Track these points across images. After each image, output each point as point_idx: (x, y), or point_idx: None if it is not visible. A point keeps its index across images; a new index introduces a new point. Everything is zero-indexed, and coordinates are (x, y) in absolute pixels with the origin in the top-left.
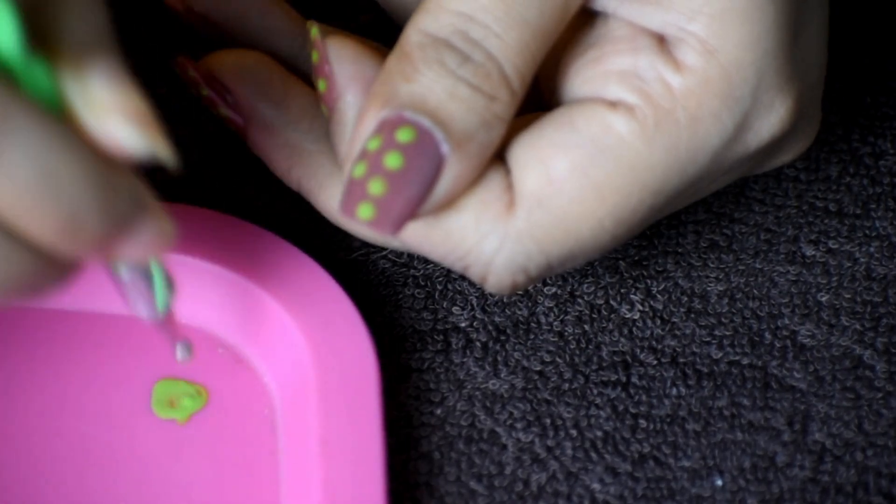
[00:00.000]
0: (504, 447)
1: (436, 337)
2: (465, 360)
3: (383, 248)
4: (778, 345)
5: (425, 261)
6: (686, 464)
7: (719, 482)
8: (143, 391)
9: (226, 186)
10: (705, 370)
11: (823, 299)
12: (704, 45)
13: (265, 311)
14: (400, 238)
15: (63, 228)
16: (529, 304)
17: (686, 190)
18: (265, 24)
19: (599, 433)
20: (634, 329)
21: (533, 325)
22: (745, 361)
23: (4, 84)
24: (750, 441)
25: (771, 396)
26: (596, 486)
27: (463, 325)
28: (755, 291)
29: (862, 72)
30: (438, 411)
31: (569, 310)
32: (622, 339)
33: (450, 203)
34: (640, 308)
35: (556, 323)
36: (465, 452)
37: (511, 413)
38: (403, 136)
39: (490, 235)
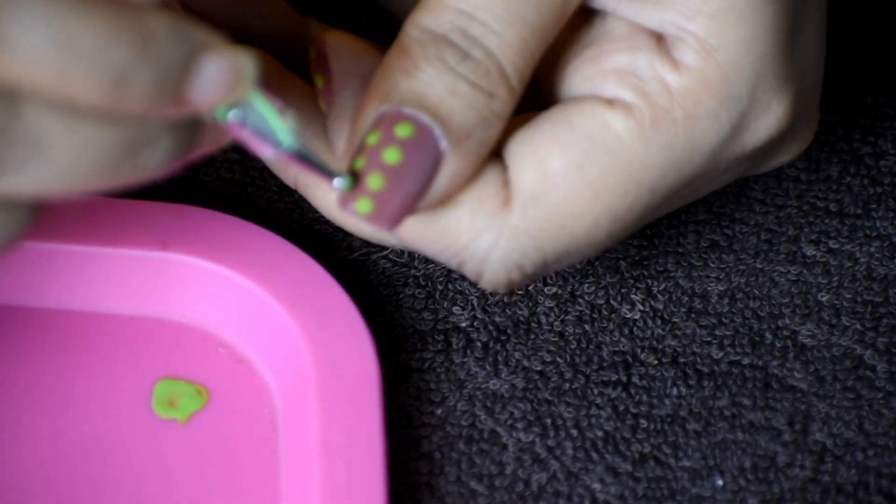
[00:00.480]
0: (505, 447)
1: (436, 337)
2: (465, 360)
3: (384, 248)
4: (778, 345)
5: (426, 261)
6: (686, 464)
7: (720, 482)
8: (143, 391)
9: (226, 186)
10: (706, 370)
11: (824, 299)
12: (703, 45)
13: (265, 311)
14: (396, 234)
15: (113, 92)
16: (530, 304)
17: (682, 189)
18: (263, 24)
19: (600, 433)
20: (635, 329)
21: (533, 324)
22: (746, 361)
23: None
24: (750, 441)
25: (771, 396)
26: (596, 486)
27: (463, 324)
28: (756, 291)
29: (861, 72)
30: (439, 411)
31: (569, 310)
32: (623, 339)
33: (447, 199)
34: (641, 308)
35: (556, 323)
36: (465, 452)
37: (511, 413)
38: (402, 131)
39: (485, 231)
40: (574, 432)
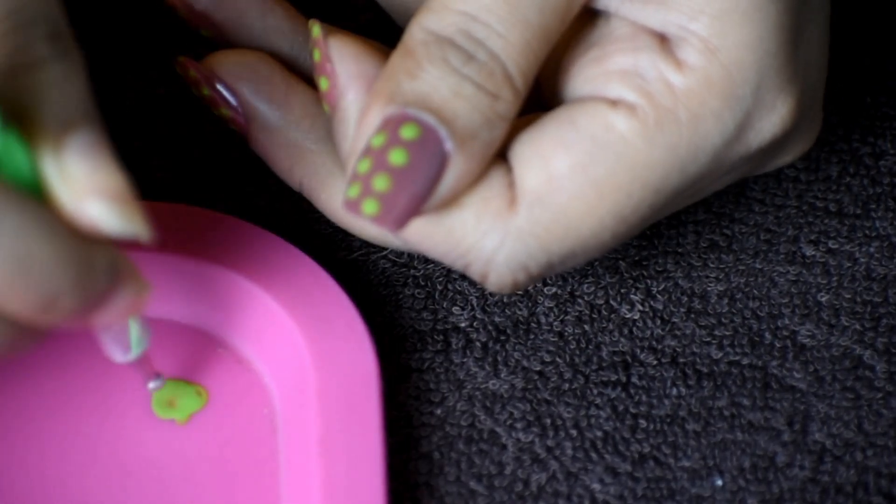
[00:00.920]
0: (504, 447)
1: (436, 337)
2: (465, 360)
3: (383, 249)
4: (778, 345)
5: (425, 261)
6: (686, 464)
7: (719, 482)
8: (144, 391)
9: (226, 186)
10: (705, 370)
11: (823, 299)
12: (706, 45)
13: (265, 311)
14: (402, 236)
15: (40, 308)
16: (529, 304)
17: (687, 189)
18: (266, 24)
19: (599, 433)
20: (634, 329)
21: (533, 325)
22: (745, 361)
23: None
24: (750, 441)
25: (771, 396)
26: (596, 486)
27: (463, 325)
28: (755, 291)
29: (862, 72)
30: (438, 411)
31: (569, 310)
32: (622, 339)
33: (452, 201)
34: (641, 308)
35: (556, 323)
36: (465, 452)
37: (511, 413)
38: (408, 132)
39: (491, 233)
40: (573, 432)
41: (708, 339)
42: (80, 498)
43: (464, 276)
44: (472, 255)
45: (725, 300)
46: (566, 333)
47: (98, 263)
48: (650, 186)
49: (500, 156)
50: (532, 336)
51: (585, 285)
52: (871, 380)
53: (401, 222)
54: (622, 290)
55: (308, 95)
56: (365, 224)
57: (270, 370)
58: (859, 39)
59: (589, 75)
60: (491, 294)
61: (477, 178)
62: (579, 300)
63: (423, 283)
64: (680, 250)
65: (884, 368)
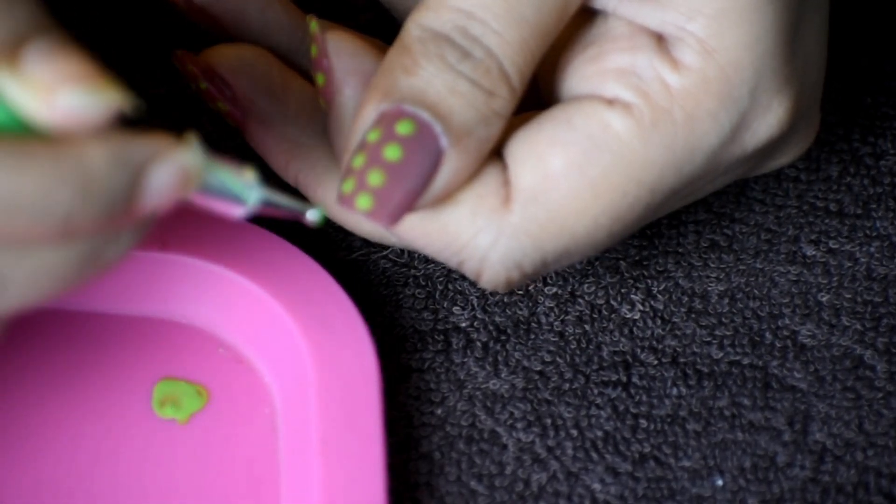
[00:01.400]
0: (504, 447)
1: (436, 337)
2: (465, 360)
3: (384, 248)
4: (778, 345)
5: (426, 260)
6: (686, 464)
7: (720, 482)
8: (143, 391)
9: None
10: (706, 370)
11: (824, 299)
12: (703, 45)
13: (265, 311)
14: (396, 232)
15: (62, 230)
16: (530, 304)
17: (683, 189)
18: (264, 19)
19: (600, 433)
20: (635, 329)
21: (533, 324)
22: (746, 361)
23: None
24: (750, 441)
25: (771, 396)
26: (596, 486)
27: (463, 325)
28: (756, 291)
29: (861, 72)
30: (439, 411)
31: (569, 310)
32: (623, 339)
33: (447, 197)
34: (641, 308)
35: (556, 323)
36: (465, 452)
37: (511, 413)
38: (403, 128)
39: (485, 230)
40: (574, 432)
41: (708, 339)
42: (81, 498)
43: (465, 276)
44: (467, 252)
45: (726, 300)
46: (567, 333)
47: (96, 162)
48: (645, 186)
49: (496, 154)
50: (532, 336)
51: (586, 285)
52: (871, 380)
53: (394, 218)
54: (623, 290)
55: (305, 91)
56: (359, 219)
57: (270, 370)
58: (859, 39)
59: (586, 74)
60: (491, 294)
61: (472, 175)
62: (580, 300)
63: (423, 283)
64: (680, 250)
65: (884, 368)
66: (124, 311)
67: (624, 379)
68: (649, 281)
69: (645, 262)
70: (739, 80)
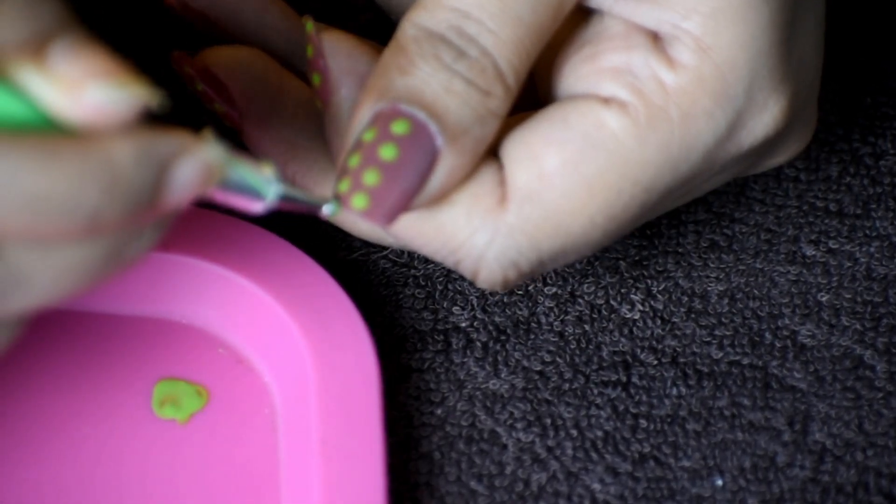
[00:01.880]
0: (504, 447)
1: (436, 337)
2: (465, 360)
3: (384, 248)
4: (778, 345)
5: (426, 261)
6: (686, 464)
7: (719, 482)
8: (143, 391)
9: None
10: (705, 370)
11: (824, 299)
12: (699, 44)
13: (265, 311)
14: (393, 231)
15: (89, 227)
16: (530, 304)
17: (679, 188)
18: (261, 21)
19: (600, 433)
20: (635, 329)
21: (533, 325)
22: (746, 361)
23: None
24: (750, 441)
25: (771, 396)
26: (596, 486)
27: (463, 325)
28: (755, 291)
29: (861, 72)
30: (439, 411)
31: (569, 310)
32: (622, 339)
33: (443, 196)
34: (641, 308)
35: (556, 323)
36: (465, 452)
37: (511, 413)
38: (398, 128)
39: (481, 229)
40: (574, 432)
41: (708, 339)
42: (81, 498)
43: (464, 277)
44: (463, 251)
45: (726, 300)
46: (566, 333)
47: (123, 159)
48: (641, 185)
49: (492, 153)
50: (532, 336)
51: (586, 285)
52: (871, 380)
53: (390, 217)
54: (622, 290)
55: (302, 92)
56: (357, 219)
57: (270, 370)
58: (859, 39)
59: (581, 73)
60: (491, 294)
61: (468, 175)
62: (579, 300)
63: (423, 283)
64: (680, 250)
65: (884, 368)
66: (124, 311)
67: (624, 379)
68: (649, 281)
69: (645, 262)
70: (735, 79)
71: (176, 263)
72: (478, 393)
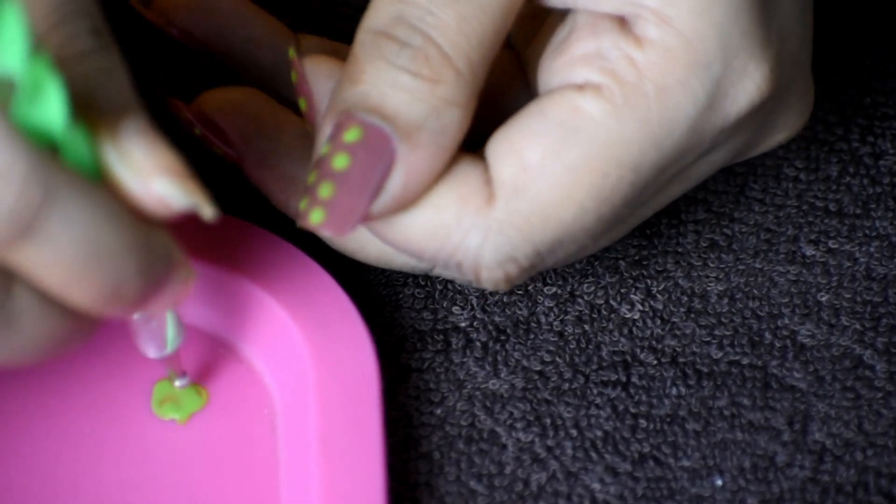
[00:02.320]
0: (504, 447)
1: (436, 337)
2: (465, 359)
3: None
4: (778, 345)
5: None
6: (686, 464)
7: (719, 482)
8: (143, 391)
9: (225, 187)
10: (705, 370)
11: (823, 299)
12: (659, 16)
13: (265, 311)
14: (389, 241)
15: (106, 295)
16: (529, 304)
17: (669, 165)
18: (247, 36)
19: (599, 433)
20: (634, 329)
21: (533, 324)
22: (745, 361)
23: (48, 156)
24: (750, 441)
25: (771, 396)
26: (596, 485)
27: (463, 324)
28: (755, 291)
29: (862, 72)
30: (438, 411)
31: (569, 309)
32: (622, 339)
33: (415, 196)
34: (640, 308)
35: (556, 323)
36: (465, 452)
37: (511, 413)
38: (350, 136)
39: (473, 229)
40: (573, 432)
41: (708, 339)
42: (80, 498)
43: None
44: (460, 253)
45: (725, 300)
46: (566, 333)
47: (158, 247)
48: (626, 164)
49: (479, 155)
50: (532, 336)
51: (585, 285)
52: (871, 379)
53: (346, 226)
54: (622, 290)
55: (298, 126)
56: (364, 246)
57: (270, 370)
58: (859, 39)
59: (554, 67)
60: (491, 294)
61: (454, 175)
62: (579, 300)
63: (423, 283)
64: (680, 250)
65: (884, 368)
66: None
67: (623, 379)
68: (649, 281)
69: (644, 262)
70: (703, 46)
71: None
72: (477, 393)
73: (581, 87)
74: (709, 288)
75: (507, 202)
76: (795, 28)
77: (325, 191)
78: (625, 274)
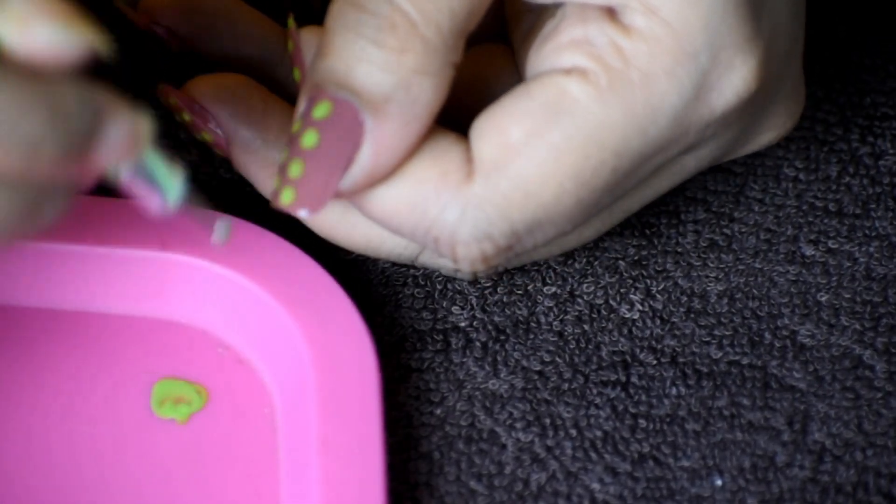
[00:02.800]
0: (504, 447)
1: (435, 337)
2: (464, 359)
3: None
4: (778, 345)
5: None
6: (686, 464)
7: (719, 482)
8: (143, 391)
9: (225, 186)
10: (705, 370)
11: (823, 299)
12: (646, 6)
13: (265, 311)
14: (369, 213)
15: (25, 160)
16: (529, 304)
17: (654, 154)
18: (234, 32)
19: (599, 433)
20: (634, 329)
21: (533, 324)
22: (745, 361)
23: None
24: (750, 441)
25: (771, 396)
26: (595, 485)
27: (463, 324)
28: (755, 291)
29: (862, 72)
30: (438, 411)
31: (568, 309)
32: (622, 339)
33: (389, 169)
34: (640, 308)
35: (555, 323)
36: (464, 452)
37: (511, 413)
38: (319, 111)
39: (451, 204)
40: (573, 432)
41: (708, 339)
42: (80, 498)
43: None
44: (437, 228)
45: (725, 300)
46: (566, 333)
47: (69, 101)
48: (609, 148)
49: (463, 134)
50: (532, 336)
51: (585, 285)
52: (870, 380)
53: (316, 204)
54: (622, 290)
55: (286, 114)
56: (349, 234)
57: (270, 370)
58: (859, 39)
59: (543, 53)
60: (491, 294)
61: (422, 143)
62: (579, 300)
63: (422, 283)
64: (679, 250)
65: (884, 368)
66: (124, 311)
67: (623, 379)
68: (648, 281)
69: (644, 262)
70: (690, 36)
71: (176, 263)
72: (477, 393)
73: (568, 71)
74: (708, 288)
75: (486, 178)
76: (786, 27)
77: (294, 170)
78: (624, 274)
